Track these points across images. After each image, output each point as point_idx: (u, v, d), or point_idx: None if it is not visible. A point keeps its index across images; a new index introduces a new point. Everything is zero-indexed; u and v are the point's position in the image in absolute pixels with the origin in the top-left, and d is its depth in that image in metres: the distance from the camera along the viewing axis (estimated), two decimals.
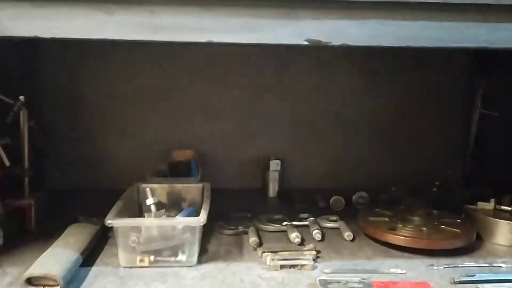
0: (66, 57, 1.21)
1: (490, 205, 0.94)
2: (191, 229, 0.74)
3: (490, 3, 0.65)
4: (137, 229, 0.74)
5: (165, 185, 0.96)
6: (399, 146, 1.34)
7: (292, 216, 0.99)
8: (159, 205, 0.83)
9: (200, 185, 0.95)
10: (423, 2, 0.65)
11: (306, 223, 0.95)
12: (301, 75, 1.28)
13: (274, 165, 1.24)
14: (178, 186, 0.96)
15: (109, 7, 0.62)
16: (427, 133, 1.34)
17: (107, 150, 1.27)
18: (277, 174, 1.24)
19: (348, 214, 1.01)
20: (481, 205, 0.95)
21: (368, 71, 1.29)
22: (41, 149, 1.17)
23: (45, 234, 0.87)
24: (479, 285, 0.69)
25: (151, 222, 0.73)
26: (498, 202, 0.94)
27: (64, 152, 1.26)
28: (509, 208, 0.92)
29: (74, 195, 1.18)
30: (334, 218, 0.99)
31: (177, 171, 1.14)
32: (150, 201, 0.79)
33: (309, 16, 0.65)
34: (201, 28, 0.64)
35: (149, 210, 0.80)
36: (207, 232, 0.88)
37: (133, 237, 0.73)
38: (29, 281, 0.64)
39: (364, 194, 1.11)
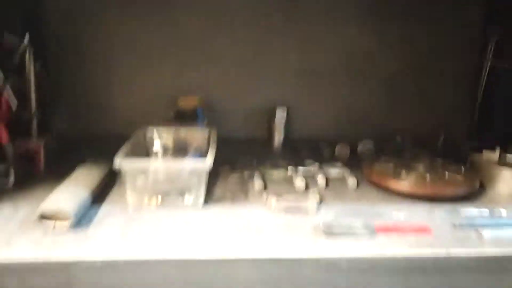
0: (70, 4, 1.19)
1: (495, 154, 0.95)
2: (197, 172, 0.75)
3: None
4: (145, 171, 0.75)
5: (171, 131, 0.96)
6: (407, 97, 1.33)
7: (297, 163, 1.01)
8: (165, 149, 0.84)
9: (206, 131, 0.96)
10: None
11: (311, 169, 0.96)
12: (310, 21, 1.26)
13: (280, 113, 1.23)
14: (184, 131, 0.97)
15: None
16: (436, 85, 1.33)
17: (113, 97, 1.27)
18: (283, 123, 1.24)
19: (353, 163, 1.01)
20: (486, 153, 0.95)
21: (379, 20, 1.26)
22: (47, 93, 1.18)
23: (54, 175, 0.89)
24: (479, 229, 0.71)
25: (159, 165, 0.74)
26: (504, 151, 0.95)
27: (70, 99, 1.26)
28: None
29: (82, 141, 1.20)
30: (339, 165, 1.00)
31: (184, 118, 1.15)
32: (157, 144, 0.80)
33: None
34: None
35: (156, 154, 0.81)
36: (213, 177, 0.89)
37: (141, 178, 0.75)
38: (41, 216, 0.66)
39: (369, 143, 1.11)
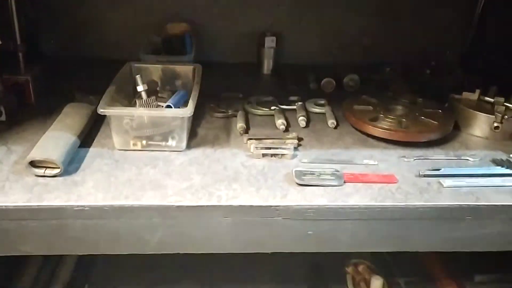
0: None
1: (474, 96, 0.96)
2: (180, 118, 0.78)
3: None
4: (129, 116, 0.78)
5: (158, 66, 0.97)
6: (398, 22, 1.30)
7: (282, 99, 1.03)
8: (150, 91, 0.86)
9: (192, 67, 0.97)
10: None
11: (294, 107, 0.99)
12: None
13: (270, 41, 1.22)
14: (171, 66, 0.98)
15: None
16: (429, 10, 1.29)
17: (100, 18, 1.26)
18: (272, 51, 1.23)
19: (338, 97, 1.04)
20: (466, 94, 0.97)
21: None
22: (31, 17, 1.16)
23: (44, 109, 0.93)
24: (441, 179, 0.76)
25: (141, 112, 0.77)
26: (483, 93, 0.96)
27: (56, 20, 1.24)
28: (492, 100, 0.94)
29: (71, 66, 1.21)
30: (322, 102, 1.03)
31: (171, 46, 1.14)
32: (140, 88, 0.82)
33: None
34: None
35: (140, 97, 0.83)
36: (198, 114, 0.93)
37: (126, 120, 0.79)
38: (32, 163, 0.71)
39: (355, 77, 1.12)
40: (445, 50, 1.33)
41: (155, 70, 0.98)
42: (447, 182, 0.75)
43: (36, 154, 0.71)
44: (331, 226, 0.71)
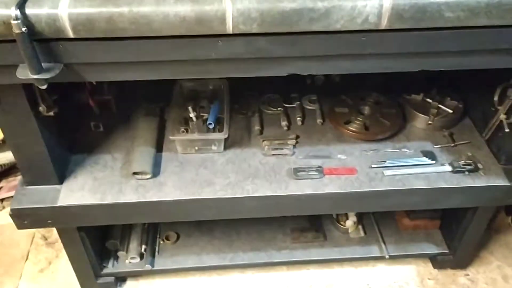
0: None
1: (419, 97, 1.36)
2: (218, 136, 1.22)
3: None
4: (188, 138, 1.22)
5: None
6: None
7: (285, 96, 1.43)
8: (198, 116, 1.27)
9: (221, 82, 1.36)
10: None
11: (294, 105, 1.40)
12: None
13: None
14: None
15: None
16: None
17: None
18: None
19: (327, 89, 1.44)
20: (414, 96, 1.36)
21: None
22: None
23: (124, 117, 1.35)
24: (384, 170, 1.21)
25: (194, 136, 1.21)
26: (426, 95, 1.35)
27: None
28: (430, 101, 1.34)
29: None
30: (314, 98, 1.43)
31: None
32: (192, 115, 1.23)
33: None
34: None
35: (192, 120, 1.24)
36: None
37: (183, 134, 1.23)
38: (133, 173, 1.18)
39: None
40: None
41: (196, 84, 1.37)
42: (387, 172, 1.20)
43: (136, 167, 1.17)
44: (315, 202, 1.19)
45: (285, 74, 0.92)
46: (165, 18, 0.79)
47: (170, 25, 0.79)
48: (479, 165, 1.20)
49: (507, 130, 1.13)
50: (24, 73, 0.81)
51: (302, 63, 0.90)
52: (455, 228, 1.43)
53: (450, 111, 1.31)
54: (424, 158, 1.24)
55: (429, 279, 1.53)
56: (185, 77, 0.94)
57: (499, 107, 1.16)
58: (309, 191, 1.16)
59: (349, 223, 1.52)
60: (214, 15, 0.79)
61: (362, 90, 1.39)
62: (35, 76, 0.81)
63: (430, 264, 1.56)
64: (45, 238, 1.64)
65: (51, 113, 1.03)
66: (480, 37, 0.86)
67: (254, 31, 0.81)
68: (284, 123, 1.34)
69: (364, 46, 0.86)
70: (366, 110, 1.35)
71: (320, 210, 1.23)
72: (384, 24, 0.82)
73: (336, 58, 0.90)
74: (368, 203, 1.21)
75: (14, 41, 0.77)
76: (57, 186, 1.15)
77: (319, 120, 1.35)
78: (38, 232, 1.66)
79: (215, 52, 0.85)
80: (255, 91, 1.45)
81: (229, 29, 0.81)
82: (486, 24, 0.83)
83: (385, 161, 1.23)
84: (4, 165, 1.69)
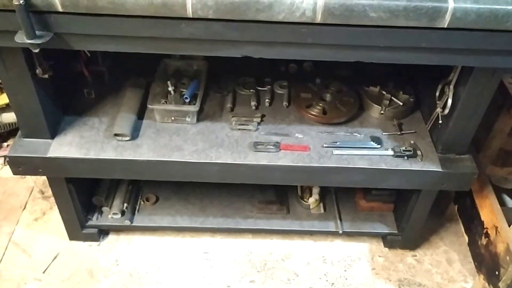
0: None
1: (376, 89, 1.51)
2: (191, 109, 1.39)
3: None
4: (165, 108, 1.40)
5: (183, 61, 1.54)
6: None
7: (259, 80, 1.59)
8: (177, 80, 1.44)
9: (202, 63, 1.53)
10: None
11: (265, 89, 1.56)
12: None
13: None
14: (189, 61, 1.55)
15: None
16: None
17: None
18: None
19: (298, 79, 1.60)
20: (372, 88, 1.52)
21: None
22: None
23: (115, 87, 1.54)
24: (334, 149, 1.37)
25: (171, 107, 1.39)
26: (382, 88, 1.50)
27: None
28: (384, 93, 1.49)
29: None
30: (285, 84, 1.59)
31: None
32: (171, 88, 1.41)
33: None
34: None
35: (170, 93, 1.42)
36: (205, 92, 1.52)
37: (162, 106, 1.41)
38: (115, 134, 1.36)
39: (311, 63, 1.65)
40: None
41: (181, 64, 1.55)
42: (336, 151, 1.36)
43: (117, 129, 1.35)
44: (269, 173, 1.35)
45: (239, 56, 1.09)
46: (137, 0, 0.96)
47: (140, 6, 0.97)
48: (418, 152, 1.35)
49: (440, 122, 1.28)
50: (21, 38, 1.00)
51: (254, 47, 1.07)
52: (403, 211, 1.58)
53: (401, 103, 1.46)
54: (372, 142, 1.40)
55: (379, 256, 1.69)
56: (156, 52, 1.12)
57: (438, 102, 1.31)
58: (264, 162, 1.33)
59: (312, 200, 1.69)
60: (177, 0, 0.96)
61: (327, 79, 1.55)
62: (30, 41, 1.00)
63: (382, 243, 1.72)
64: (42, 192, 1.84)
65: (46, 76, 1.22)
66: (402, 36, 1.01)
67: (210, 16, 0.98)
68: (253, 103, 1.50)
69: (305, 37, 1.02)
70: (328, 97, 1.51)
71: (273, 180, 1.40)
72: (319, 19, 0.98)
73: (282, 45, 1.06)
74: (316, 177, 1.37)
75: (14, 11, 0.95)
76: (49, 140, 1.35)
77: (285, 103, 1.51)
78: (36, 186, 1.86)
79: (179, 33, 1.02)
80: (233, 74, 1.62)
81: (189, 13, 0.98)
82: (405, 25, 0.98)
83: (337, 142, 1.39)
84: (11, 124, 1.89)
